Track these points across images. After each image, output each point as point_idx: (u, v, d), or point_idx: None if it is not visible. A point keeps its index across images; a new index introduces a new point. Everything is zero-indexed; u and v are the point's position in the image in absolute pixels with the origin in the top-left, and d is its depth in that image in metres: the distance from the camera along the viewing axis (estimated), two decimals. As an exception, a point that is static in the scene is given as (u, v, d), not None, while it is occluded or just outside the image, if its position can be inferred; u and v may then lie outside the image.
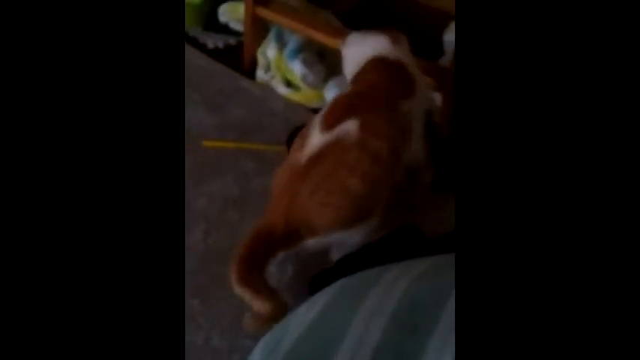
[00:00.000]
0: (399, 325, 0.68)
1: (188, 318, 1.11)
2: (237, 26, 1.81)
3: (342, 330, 0.69)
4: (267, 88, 1.65)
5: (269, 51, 1.65)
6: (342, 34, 1.40)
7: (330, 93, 1.56)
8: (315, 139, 1.11)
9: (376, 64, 1.24)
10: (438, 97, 1.45)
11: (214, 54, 1.75)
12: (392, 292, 0.72)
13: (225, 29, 1.83)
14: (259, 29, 1.66)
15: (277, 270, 1.17)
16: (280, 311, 0.98)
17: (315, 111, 1.50)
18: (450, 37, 1.59)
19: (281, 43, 1.64)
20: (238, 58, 1.72)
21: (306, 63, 1.58)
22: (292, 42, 1.62)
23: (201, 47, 1.77)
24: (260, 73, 1.68)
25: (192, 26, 1.83)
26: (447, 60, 1.57)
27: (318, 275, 1.12)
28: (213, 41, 1.80)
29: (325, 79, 1.60)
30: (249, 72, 1.69)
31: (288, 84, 1.63)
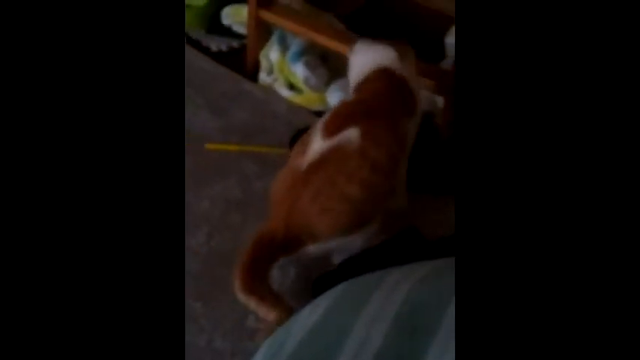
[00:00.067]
0: (400, 328, 0.69)
1: (191, 320, 1.11)
2: (241, 29, 1.81)
3: (344, 334, 0.69)
4: (269, 90, 1.65)
5: (272, 54, 1.65)
6: (348, 40, 1.40)
7: (333, 96, 1.57)
8: (317, 145, 1.11)
9: (380, 75, 1.23)
10: (439, 100, 1.46)
11: (217, 57, 1.76)
12: (393, 296, 0.72)
13: (228, 32, 1.83)
14: (262, 32, 1.67)
15: (280, 273, 1.18)
16: (287, 316, 0.98)
17: (318, 114, 1.51)
18: (451, 39, 1.59)
19: (284, 46, 1.64)
20: (241, 61, 1.72)
21: (308, 66, 1.58)
22: (295, 45, 1.62)
23: (205, 50, 1.78)
24: (263, 76, 1.68)
25: (195, 29, 1.83)
26: (448, 63, 1.57)
27: (320, 278, 1.13)
28: (216, 44, 1.80)
29: (328, 82, 1.60)
30: (252, 75, 1.70)
31: (291, 87, 1.63)
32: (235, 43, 1.80)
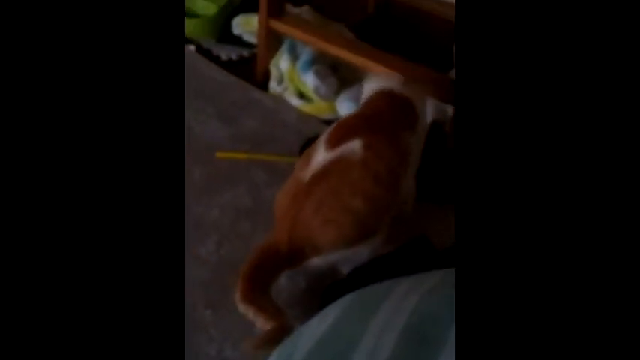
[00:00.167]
0: (409, 339, 0.68)
1: (200, 329, 1.11)
2: (251, 38, 1.83)
3: (353, 344, 0.69)
4: (279, 99, 1.66)
5: (282, 63, 1.66)
6: (358, 49, 1.46)
7: (343, 105, 1.57)
8: (320, 157, 1.12)
9: (383, 94, 1.28)
10: (449, 109, 1.46)
11: (228, 66, 1.77)
12: (403, 306, 0.72)
13: (238, 41, 1.85)
14: (272, 41, 1.68)
15: (289, 283, 1.18)
16: (283, 330, 0.98)
17: (328, 123, 1.51)
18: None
19: (294, 55, 1.65)
20: (251, 70, 1.74)
21: (318, 75, 1.59)
22: (305, 54, 1.63)
23: (215, 59, 1.79)
24: (273, 85, 1.69)
25: (206, 38, 1.85)
26: (458, 72, 1.57)
27: (329, 287, 1.13)
28: (226, 53, 1.81)
29: (338, 91, 1.61)
30: (262, 84, 1.71)
31: (301, 96, 1.64)
32: (245, 53, 1.82)
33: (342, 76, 1.64)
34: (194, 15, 1.93)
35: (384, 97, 1.27)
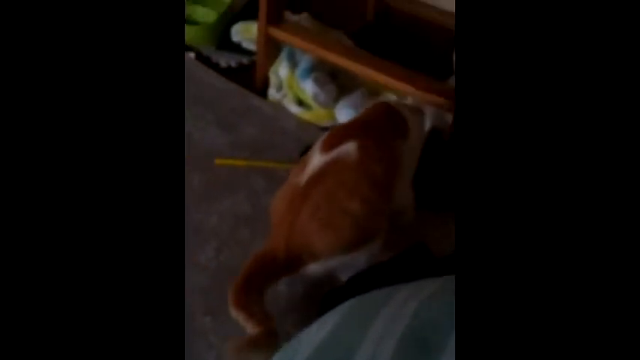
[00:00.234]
0: (408, 345, 0.68)
1: (200, 335, 1.11)
2: (250, 46, 1.83)
3: (351, 350, 0.69)
4: (279, 106, 1.67)
5: (281, 70, 1.67)
6: (357, 57, 1.48)
7: (342, 112, 1.58)
8: (316, 160, 1.13)
9: (375, 105, 1.33)
10: (449, 117, 1.46)
11: (227, 73, 1.78)
12: (402, 313, 0.72)
13: (238, 48, 1.86)
14: (272, 49, 1.68)
15: (287, 290, 1.18)
16: (268, 336, 0.98)
17: (327, 130, 1.52)
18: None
19: (293, 63, 1.66)
20: (251, 77, 1.74)
21: (317, 82, 1.60)
22: (304, 61, 1.64)
23: (215, 66, 1.80)
24: (272, 92, 1.70)
25: (205, 45, 1.86)
26: (456, 79, 1.58)
27: (328, 294, 1.13)
28: (226, 60, 1.82)
29: (336, 99, 1.61)
30: (262, 91, 1.71)
31: (300, 103, 1.65)
32: (245, 60, 1.82)
33: (341, 84, 1.65)
34: (194, 22, 1.94)
35: (375, 106, 1.32)
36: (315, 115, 1.62)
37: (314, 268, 1.09)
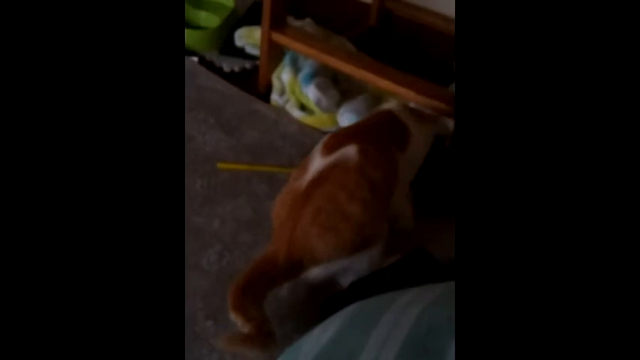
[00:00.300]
0: (411, 350, 0.69)
1: (202, 339, 1.11)
2: (253, 50, 1.84)
3: (354, 355, 0.69)
4: (281, 111, 1.67)
5: (284, 75, 1.67)
6: (360, 62, 1.48)
7: (344, 117, 1.58)
8: (316, 163, 1.13)
9: (378, 112, 1.34)
10: (450, 123, 1.46)
11: (230, 77, 1.78)
12: (405, 318, 0.72)
13: (241, 53, 1.86)
14: (275, 54, 1.69)
15: (290, 294, 1.18)
16: (265, 339, 0.99)
17: (329, 135, 1.52)
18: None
19: (296, 68, 1.67)
20: (253, 82, 1.75)
21: (320, 87, 1.60)
22: (307, 67, 1.64)
23: (218, 71, 1.80)
24: (275, 97, 1.70)
25: (208, 50, 1.86)
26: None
27: (329, 299, 1.13)
28: (229, 65, 1.83)
29: (339, 104, 1.62)
30: (264, 95, 1.72)
31: (303, 108, 1.65)
32: (248, 64, 1.83)
33: (343, 89, 1.65)
34: (197, 27, 1.94)
35: (378, 114, 1.32)
36: (318, 119, 1.62)
37: (315, 273, 1.09)
